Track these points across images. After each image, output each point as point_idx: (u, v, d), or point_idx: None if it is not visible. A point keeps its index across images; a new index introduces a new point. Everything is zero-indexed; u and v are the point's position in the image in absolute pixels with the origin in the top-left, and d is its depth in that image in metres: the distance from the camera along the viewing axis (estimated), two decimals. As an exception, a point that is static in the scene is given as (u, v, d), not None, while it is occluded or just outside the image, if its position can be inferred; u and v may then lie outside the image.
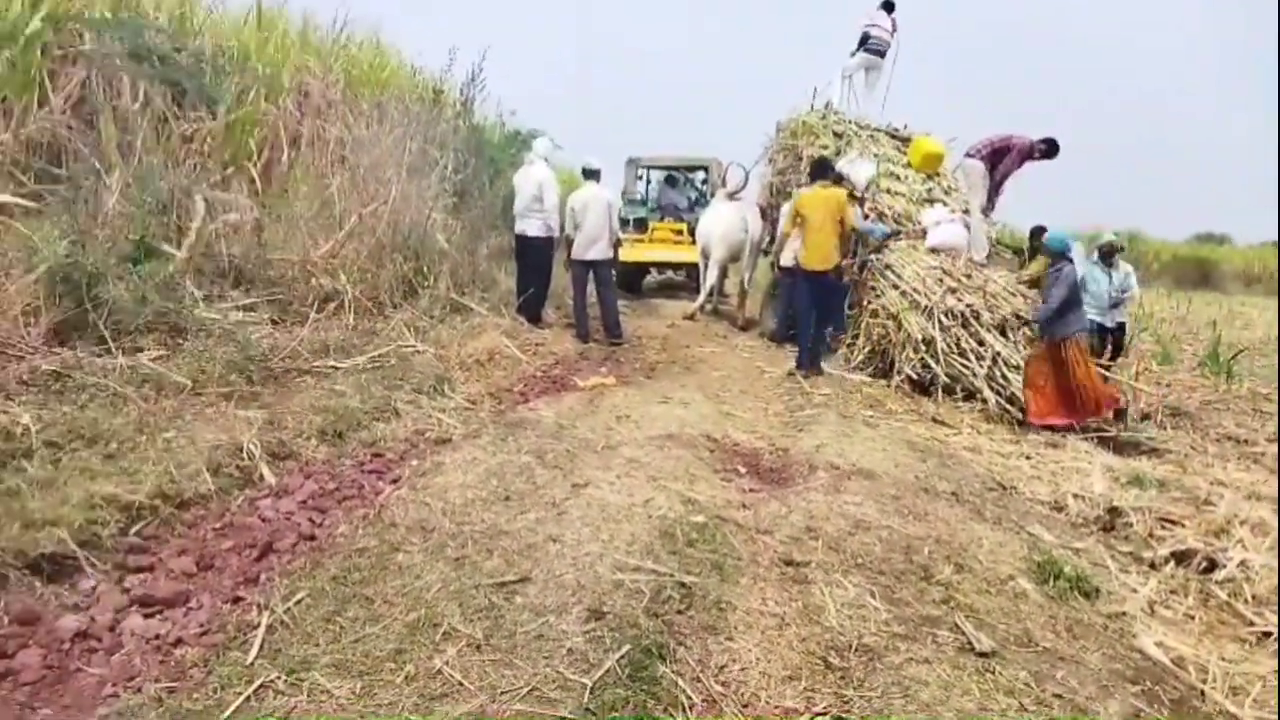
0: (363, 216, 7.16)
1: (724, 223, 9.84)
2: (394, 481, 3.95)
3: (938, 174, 9.09)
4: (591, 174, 8.31)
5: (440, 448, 4.54)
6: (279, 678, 2.23)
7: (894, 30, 10.14)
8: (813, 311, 7.29)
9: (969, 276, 7.31)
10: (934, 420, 6.08)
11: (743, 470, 4.50)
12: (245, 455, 3.76)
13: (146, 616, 2.58)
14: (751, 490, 4.17)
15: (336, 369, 5.36)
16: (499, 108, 13.08)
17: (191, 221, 5.55)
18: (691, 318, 10.21)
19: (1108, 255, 7.84)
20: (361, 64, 10.27)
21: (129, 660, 2.36)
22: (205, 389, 4.31)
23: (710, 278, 10.17)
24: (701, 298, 10.43)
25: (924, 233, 7.93)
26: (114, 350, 4.26)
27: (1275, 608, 3.31)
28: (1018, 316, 6.83)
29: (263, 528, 3.29)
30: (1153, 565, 3.80)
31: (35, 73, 5.65)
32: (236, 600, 2.69)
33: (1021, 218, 9.41)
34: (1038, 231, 8.66)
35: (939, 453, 5.22)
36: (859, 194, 8.41)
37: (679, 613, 2.75)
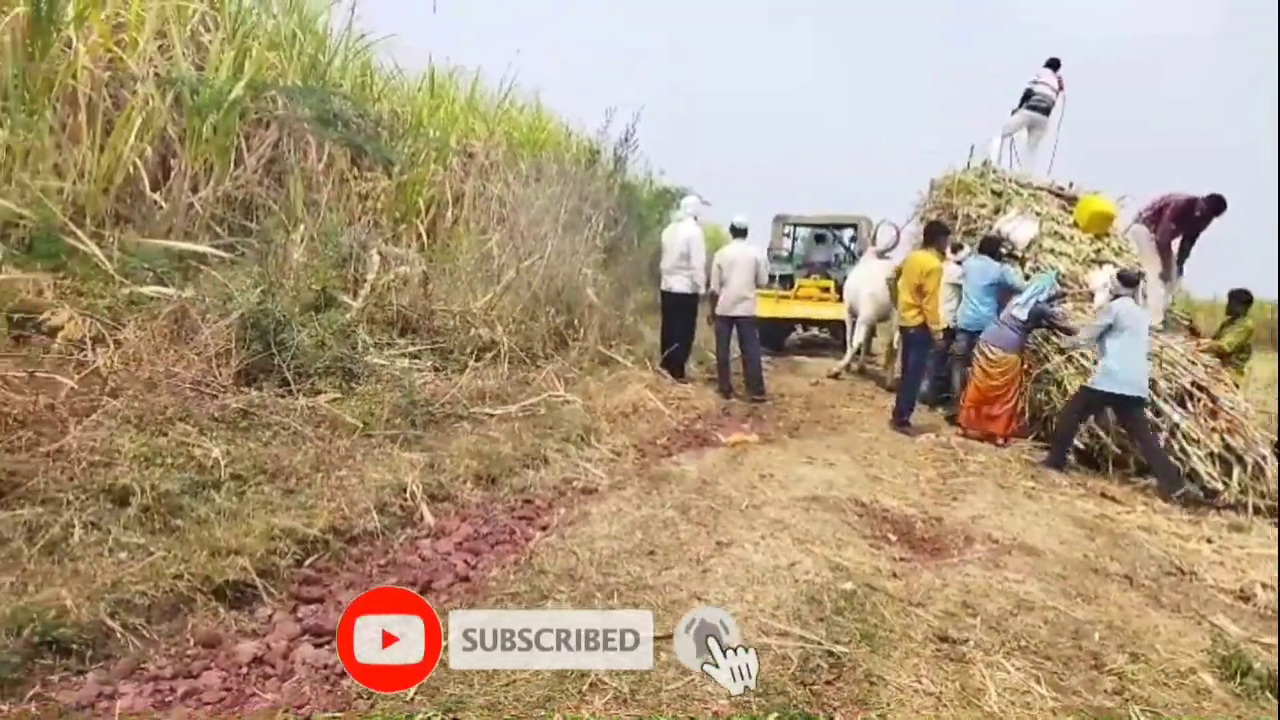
0: (519, 271, 7.46)
1: (873, 281, 9.70)
2: (543, 528, 4.04)
3: (1107, 235, 8.60)
4: (739, 231, 8.39)
5: (587, 497, 4.62)
6: (436, 716, 2.30)
7: (1060, 88, 9.75)
8: (905, 365, 7.59)
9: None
10: (1103, 495, 5.71)
11: (893, 538, 4.34)
12: (408, 496, 3.95)
13: (317, 646, 2.73)
14: (903, 559, 4.01)
15: (491, 415, 5.56)
16: (648, 165, 13.43)
17: (367, 274, 5.95)
18: (836, 376, 10.05)
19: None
20: (522, 126, 10.78)
21: (299, 688, 2.49)
22: (374, 431, 4.56)
23: (857, 336, 10.02)
24: (848, 356, 10.27)
25: (1091, 295, 7.56)
26: (295, 392, 4.58)
27: None
28: (1198, 387, 6.39)
29: (422, 567, 3.43)
30: (1357, 667, 3.42)
31: (234, 136, 6.20)
32: (398, 636, 2.81)
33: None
34: (1239, 295, 7.97)
35: (1109, 531, 4.88)
36: (1019, 254, 8.17)
37: (828, 683, 2.66)
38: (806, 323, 13.25)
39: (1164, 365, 6.63)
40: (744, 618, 3.02)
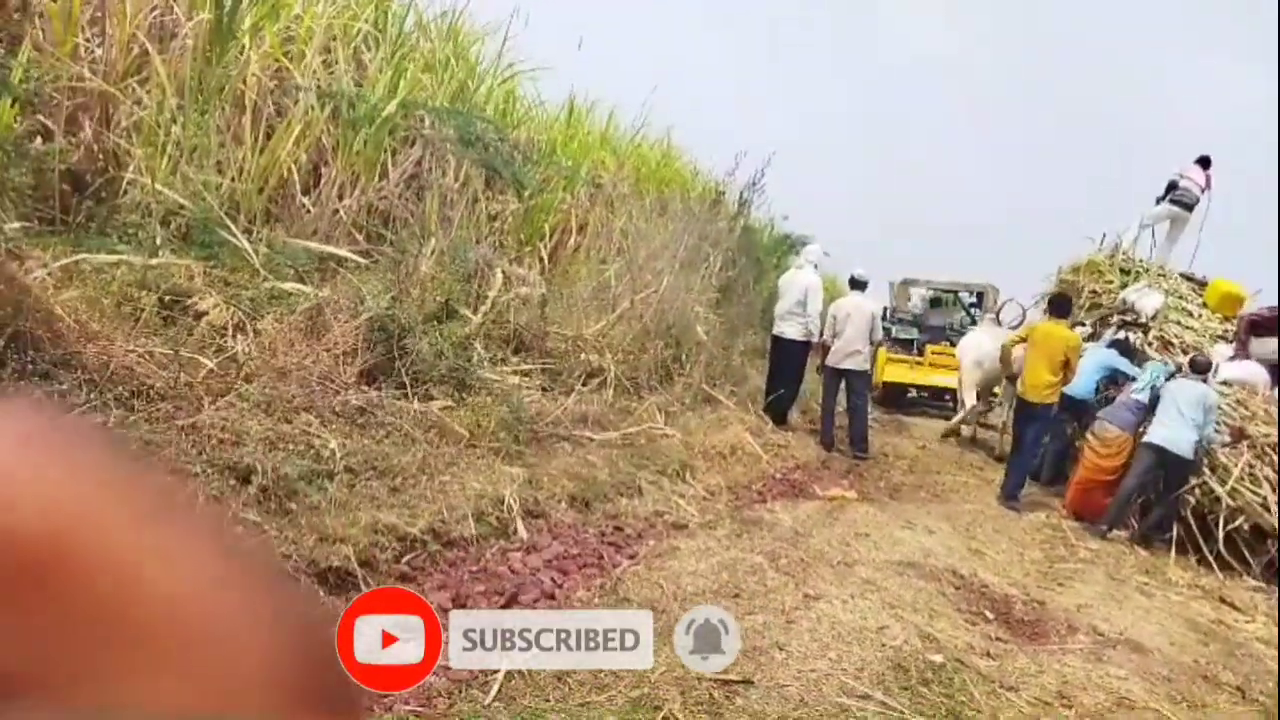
0: (634, 302, 7.57)
1: (980, 348, 9.44)
2: (631, 557, 4.07)
3: (1236, 316, 8.32)
4: (858, 284, 8.32)
5: (676, 532, 4.63)
6: (510, 721, 2.35)
7: (1206, 187, 9.40)
8: (1021, 439, 7.23)
9: (1267, 412, 6.79)
10: (1221, 600, 5.36)
11: (990, 615, 4.17)
12: (505, 508, 4.05)
13: (405, 640, 2.82)
14: (998, 639, 3.85)
15: (591, 440, 5.64)
16: (771, 211, 13.43)
17: (489, 291, 6.15)
18: (946, 436, 9.85)
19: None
20: (651, 162, 10.98)
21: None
22: (479, 442, 4.70)
23: (967, 399, 9.74)
24: (958, 417, 10.02)
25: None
26: (410, 396, 4.77)
27: None
28: None
29: (511, 578, 3.51)
30: None
31: (382, 150, 6.53)
32: (482, 642, 2.88)
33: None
34: None
35: (1225, 638, 4.58)
36: (1145, 322, 8.08)
37: (907, 753, 2.59)
38: (932, 390, 12.93)
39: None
40: (825, 675, 2.97)
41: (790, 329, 8.27)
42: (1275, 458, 6.31)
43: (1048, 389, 6.86)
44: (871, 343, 8.24)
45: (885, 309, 12.84)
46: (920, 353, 12.55)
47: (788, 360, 8.41)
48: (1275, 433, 6.46)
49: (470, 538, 3.72)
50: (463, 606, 3.16)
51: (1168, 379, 6.78)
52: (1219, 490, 6.22)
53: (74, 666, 0.21)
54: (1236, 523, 6.10)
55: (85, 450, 0.23)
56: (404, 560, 3.34)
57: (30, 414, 0.23)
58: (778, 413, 8.34)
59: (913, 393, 13.41)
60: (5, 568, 0.20)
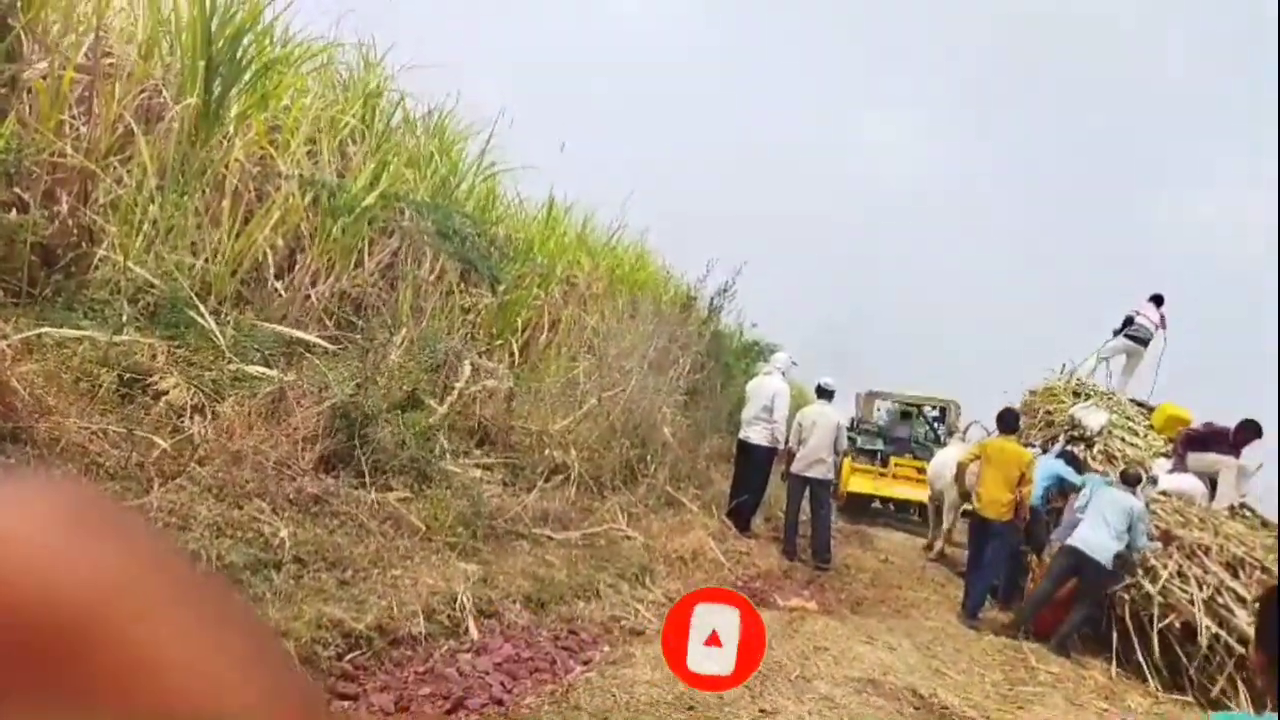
0: (601, 400, 7.59)
1: (955, 465, 9.57)
2: (585, 663, 3.97)
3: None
4: (825, 393, 8.42)
5: (633, 639, 4.53)
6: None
7: (1161, 324, 9.91)
8: (978, 558, 7.26)
9: (1201, 520, 7.02)
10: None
11: (949, 736, 4.10)
12: (457, 606, 3.95)
13: (342, 744, 2.71)
14: (956, 761, 3.77)
15: (551, 539, 5.55)
16: (740, 318, 13.67)
17: (456, 382, 6.14)
18: (928, 548, 10.05)
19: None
20: (625, 264, 11.18)
21: (318, 784, 2.45)
22: (435, 536, 4.61)
23: (945, 520, 9.81)
24: (931, 535, 10.14)
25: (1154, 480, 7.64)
26: (368, 486, 4.69)
27: None
28: (1251, 559, 6.54)
29: (459, 681, 3.39)
30: None
31: (360, 239, 6.59)
32: (423, 749, 2.76)
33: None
34: None
35: (1185, 767, 4.51)
36: (1089, 437, 8.42)
37: None
38: (897, 502, 13.04)
39: (1219, 536, 6.75)
40: (779, 794, 2.87)
41: (756, 434, 8.30)
42: (1205, 560, 6.47)
43: (1004, 507, 6.92)
44: (836, 452, 8.29)
45: (851, 419, 13.04)
46: (884, 464, 12.69)
47: (753, 466, 8.40)
48: (1207, 537, 6.67)
49: (419, 636, 3.60)
50: (405, 709, 3.05)
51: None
52: (1150, 588, 6.34)
53: None
54: (1168, 619, 6.18)
55: (120, 529, 0.25)
56: (347, 658, 3.22)
57: (72, 493, 0.25)
58: (741, 518, 8.27)
59: (876, 503, 13.48)
60: (42, 635, 0.21)
